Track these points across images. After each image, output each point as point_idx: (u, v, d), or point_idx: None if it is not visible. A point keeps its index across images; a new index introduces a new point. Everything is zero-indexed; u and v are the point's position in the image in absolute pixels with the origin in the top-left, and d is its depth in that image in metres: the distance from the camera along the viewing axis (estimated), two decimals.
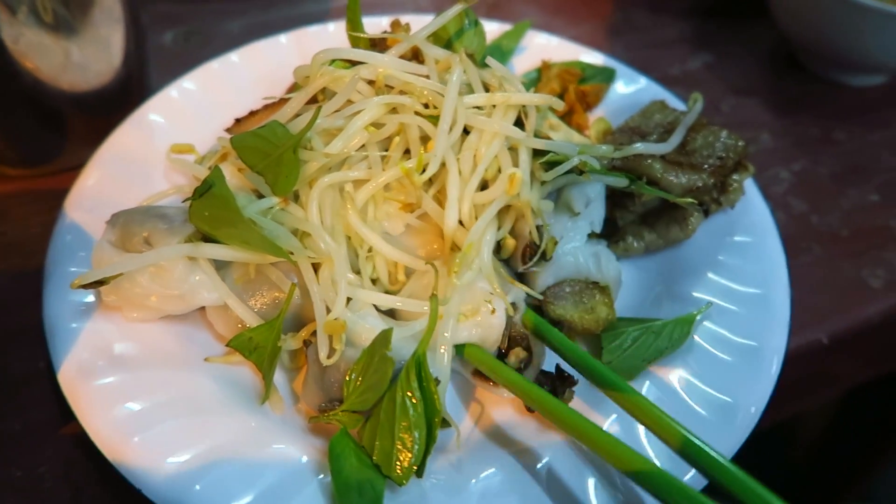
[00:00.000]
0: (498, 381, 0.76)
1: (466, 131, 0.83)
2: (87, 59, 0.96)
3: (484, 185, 0.82)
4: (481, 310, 0.77)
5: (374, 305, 0.79)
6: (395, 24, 0.98)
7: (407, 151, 0.84)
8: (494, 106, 0.83)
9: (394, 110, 0.83)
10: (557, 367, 0.79)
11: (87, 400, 0.72)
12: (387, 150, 0.83)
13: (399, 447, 0.68)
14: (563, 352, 0.77)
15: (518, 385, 0.73)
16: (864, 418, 1.68)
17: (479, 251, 0.79)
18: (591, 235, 0.85)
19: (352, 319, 0.74)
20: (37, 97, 0.95)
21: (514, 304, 0.80)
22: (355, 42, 0.92)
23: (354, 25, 0.92)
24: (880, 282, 1.01)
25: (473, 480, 0.71)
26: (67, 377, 0.74)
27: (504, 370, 0.75)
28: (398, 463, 0.68)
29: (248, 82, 1.09)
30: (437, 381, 0.71)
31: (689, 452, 0.64)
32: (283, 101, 0.90)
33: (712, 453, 0.63)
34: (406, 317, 0.80)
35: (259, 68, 1.11)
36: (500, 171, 0.82)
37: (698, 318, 0.83)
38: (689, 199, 0.88)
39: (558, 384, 0.77)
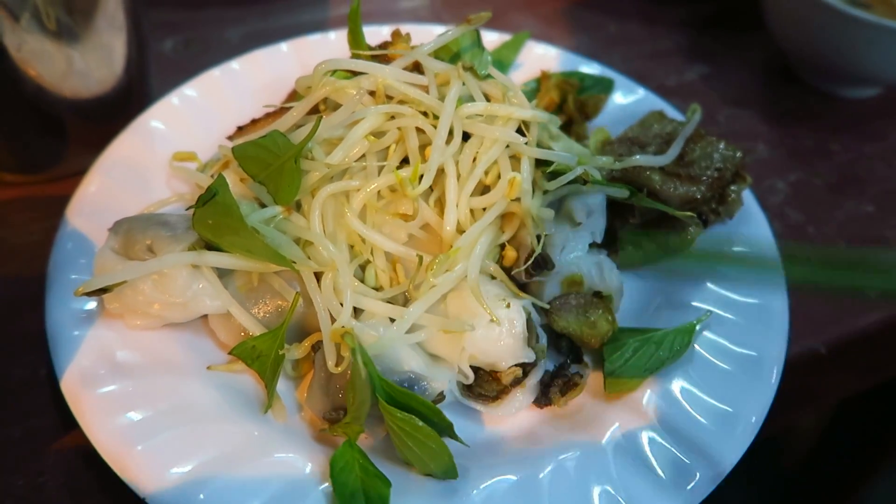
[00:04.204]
0: None
1: (468, 138, 0.84)
2: (89, 66, 0.96)
3: (486, 192, 0.83)
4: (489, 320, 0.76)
5: None
6: (396, 35, 0.99)
7: (407, 161, 0.84)
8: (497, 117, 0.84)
9: (393, 119, 0.83)
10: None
11: (89, 408, 0.72)
12: (386, 160, 0.84)
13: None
14: None
15: None
16: (856, 429, 1.69)
17: (469, 255, 0.79)
18: (592, 245, 0.86)
19: (359, 327, 0.75)
20: (38, 104, 0.94)
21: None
22: (356, 53, 0.92)
23: (355, 36, 0.93)
24: (877, 292, 1.02)
25: (476, 489, 0.71)
26: (70, 385, 0.74)
27: None
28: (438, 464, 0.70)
29: (250, 90, 1.09)
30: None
31: None
32: (284, 110, 0.91)
33: None
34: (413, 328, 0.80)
35: (260, 76, 1.11)
36: (500, 176, 0.82)
37: (698, 327, 0.83)
38: (689, 213, 0.88)
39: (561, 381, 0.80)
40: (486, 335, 0.75)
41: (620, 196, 0.87)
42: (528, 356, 0.77)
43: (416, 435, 0.69)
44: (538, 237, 0.80)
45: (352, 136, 0.81)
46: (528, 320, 0.78)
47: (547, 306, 0.82)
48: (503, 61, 1.19)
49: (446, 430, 0.71)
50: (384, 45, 0.94)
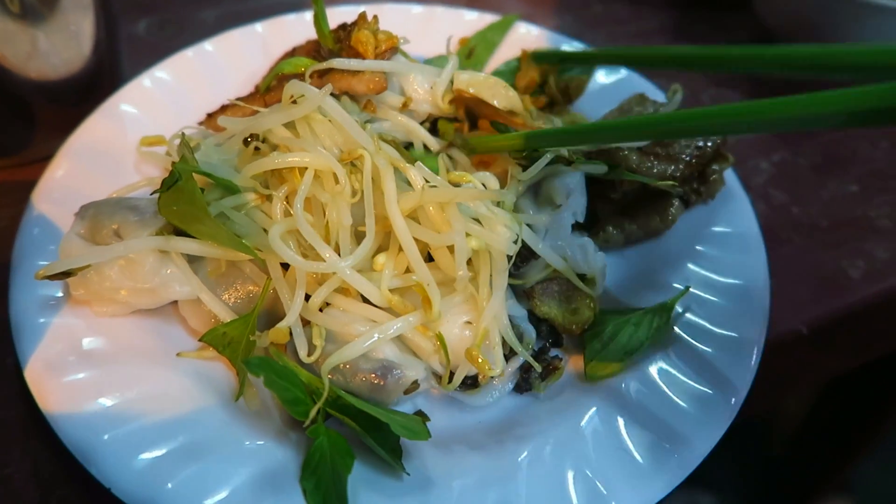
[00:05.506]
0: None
1: None
2: (55, 46, 0.93)
3: None
4: None
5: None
6: (362, 18, 0.96)
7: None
8: None
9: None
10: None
11: (55, 397, 0.70)
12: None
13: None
14: None
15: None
16: (841, 410, 1.70)
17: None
18: (574, 227, 0.84)
19: (332, 314, 0.73)
20: (2, 86, 0.92)
21: None
22: (323, 38, 0.91)
23: (318, 22, 0.91)
24: (859, 272, 1.01)
25: (453, 476, 0.70)
26: (34, 373, 0.72)
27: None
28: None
29: (223, 71, 1.07)
30: None
31: None
32: (253, 98, 0.90)
33: None
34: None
35: (234, 57, 1.09)
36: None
37: (677, 306, 0.82)
38: (669, 182, 0.87)
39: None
40: (459, 336, 0.74)
41: (598, 172, 0.85)
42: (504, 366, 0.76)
43: (367, 441, 0.69)
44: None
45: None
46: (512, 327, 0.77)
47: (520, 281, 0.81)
48: (489, 43, 1.16)
49: (394, 445, 0.71)
50: (345, 27, 0.92)
